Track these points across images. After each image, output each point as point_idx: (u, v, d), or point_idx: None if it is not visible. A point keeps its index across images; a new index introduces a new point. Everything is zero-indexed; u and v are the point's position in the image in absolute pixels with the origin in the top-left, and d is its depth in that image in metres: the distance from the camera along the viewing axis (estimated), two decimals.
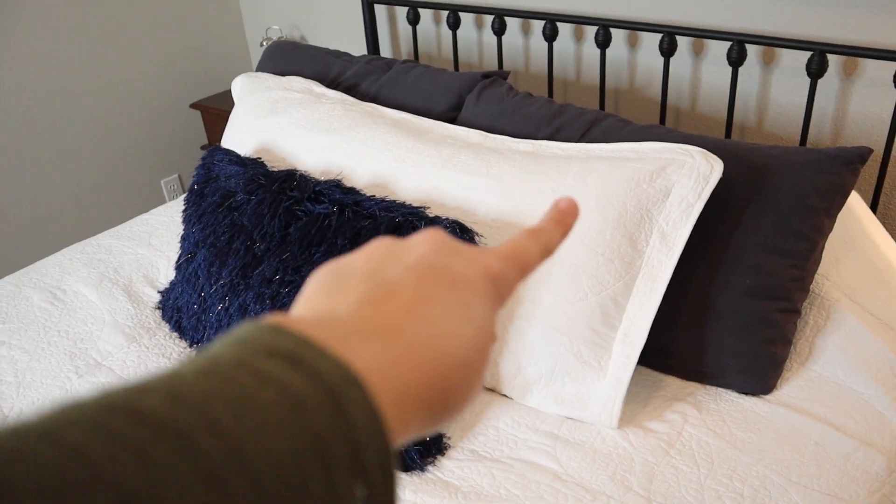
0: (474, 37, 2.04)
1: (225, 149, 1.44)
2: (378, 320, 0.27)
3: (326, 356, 0.23)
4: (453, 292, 0.29)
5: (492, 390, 1.20)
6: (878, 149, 1.50)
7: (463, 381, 0.28)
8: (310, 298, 0.30)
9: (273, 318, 0.25)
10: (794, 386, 1.16)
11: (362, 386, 0.23)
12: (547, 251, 0.35)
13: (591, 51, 1.82)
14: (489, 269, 0.31)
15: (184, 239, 1.39)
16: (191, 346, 1.34)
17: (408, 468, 1.06)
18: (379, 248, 0.32)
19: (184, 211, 1.40)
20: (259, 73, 1.74)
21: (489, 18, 1.96)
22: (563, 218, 0.37)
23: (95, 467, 0.18)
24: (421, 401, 0.26)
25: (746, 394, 1.15)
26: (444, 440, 1.10)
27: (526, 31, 1.93)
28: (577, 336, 1.11)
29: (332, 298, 0.29)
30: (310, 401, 0.22)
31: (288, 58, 1.82)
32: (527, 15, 1.80)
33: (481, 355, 0.29)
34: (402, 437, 0.26)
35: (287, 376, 0.22)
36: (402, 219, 1.14)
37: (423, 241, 0.32)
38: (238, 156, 1.39)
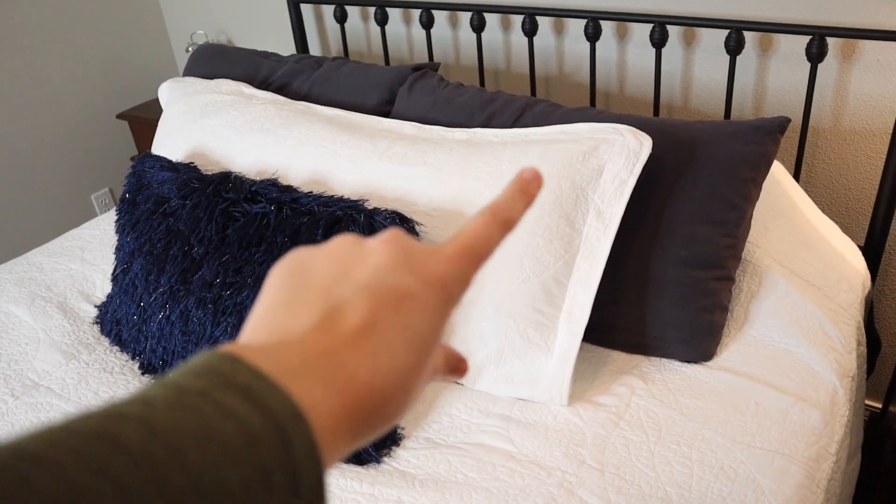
0: (403, 32, 2.04)
1: (155, 155, 1.41)
2: (323, 351, 0.30)
3: (277, 392, 0.27)
4: (398, 315, 0.31)
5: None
6: (797, 120, 1.56)
7: (399, 404, 0.31)
8: (266, 313, 0.32)
9: (230, 348, 0.28)
10: (732, 351, 1.20)
11: (306, 422, 0.27)
12: (508, 226, 0.36)
13: (519, 40, 1.85)
14: (438, 277, 0.33)
15: (118, 249, 1.35)
16: (132, 358, 1.30)
17: (364, 461, 1.06)
18: (340, 251, 0.34)
19: (116, 221, 1.37)
20: (186, 78, 1.70)
21: (417, 13, 1.96)
22: (527, 187, 0.37)
23: (82, 495, 0.21)
24: (354, 430, 0.29)
25: (689, 362, 1.19)
26: (399, 431, 1.11)
27: (454, 24, 1.94)
28: (522, 317, 1.13)
29: (287, 316, 0.32)
30: (263, 435, 0.25)
31: (215, 61, 1.79)
32: (453, 7, 1.82)
33: (418, 375, 0.32)
34: (332, 460, 0.29)
35: (243, 410, 0.25)
36: (342, 213, 1.14)
37: (380, 249, 0.33)
38: (170, 161, 1.37)
